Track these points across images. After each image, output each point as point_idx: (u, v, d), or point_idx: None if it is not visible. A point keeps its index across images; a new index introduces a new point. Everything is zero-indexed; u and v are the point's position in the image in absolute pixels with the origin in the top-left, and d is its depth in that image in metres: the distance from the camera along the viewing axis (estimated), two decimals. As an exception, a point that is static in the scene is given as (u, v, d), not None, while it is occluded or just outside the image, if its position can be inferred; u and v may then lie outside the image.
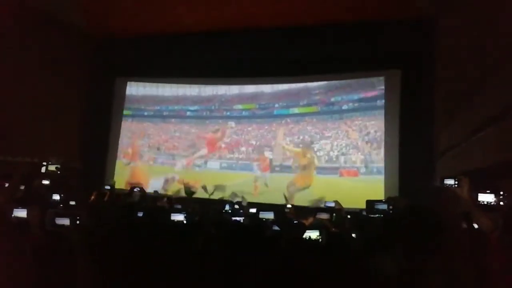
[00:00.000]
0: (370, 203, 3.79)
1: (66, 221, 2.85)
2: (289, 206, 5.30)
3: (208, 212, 4.15)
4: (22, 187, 3.85)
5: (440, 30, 6.64)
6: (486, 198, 3.01)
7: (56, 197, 4.50)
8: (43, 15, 7.65)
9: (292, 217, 4.38)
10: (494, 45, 4.82)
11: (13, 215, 2.87)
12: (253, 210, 4.46)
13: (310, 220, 3.88)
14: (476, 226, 2.43)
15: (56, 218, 2.84)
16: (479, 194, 3.05)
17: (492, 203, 2.99)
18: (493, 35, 4.84)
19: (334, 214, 3.83)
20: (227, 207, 4.97)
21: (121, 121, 9.62)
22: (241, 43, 8.16)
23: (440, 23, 6.66)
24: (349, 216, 4.26)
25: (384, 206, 3.60)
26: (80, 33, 8.67)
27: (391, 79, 7.62)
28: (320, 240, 2.28)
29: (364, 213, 3.92)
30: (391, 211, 3.48)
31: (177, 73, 9.14)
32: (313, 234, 2.36)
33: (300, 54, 8.02)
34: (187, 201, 5.63)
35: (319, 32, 7.65)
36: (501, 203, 2.87)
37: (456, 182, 2.47)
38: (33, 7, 7.43)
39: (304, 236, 2.38)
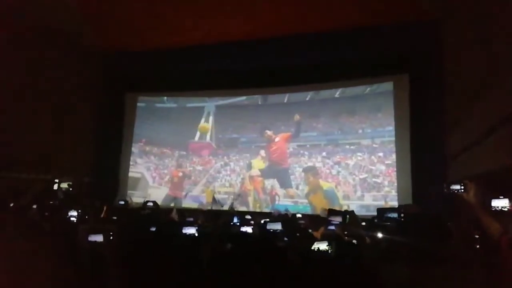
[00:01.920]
0: (381, 211, 3.75)
1: (99, 238, 2.81)
2: (299, 215, 5.27)
3: (218, 225, 4.17)
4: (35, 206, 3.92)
5: (448, 32, 6.60)
6: (501, 203, 2.92)
7: (73, 213, 4.56)
8: (53, 32, 7.80)
9: (305, 227, 4.34)
10: (503, 46, 4.78)
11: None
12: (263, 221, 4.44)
13: (321, 230, 3.86)
14: (485, 230, 2.39)
15: (90, 235, 2.82)
16: (492, 200, 2.97)
17: (506, 208, 2.90)
18: (501, 36, 4.80)
19: (347, 216, 3.78)
20: (235, 220, 4.97)
21: (132, 135, 9.74)
22: (247, 54, 8.24)
23: (447, 26, 6.63)
24: (363, 223, 4.22)
25: (395, 214, 3.54)
26: (90, 50, 8.84)
27: (399, 84, 7.58)
28: (330, 251, 2.26)
29: (376, 220, 3.86)
30: (402, 219, 3.43)
31: (188, 86, 9.26)
32: (322, 246, 2.33)
33: (307, 61, 8.06)
34: (198, 213, 5.67)
35: (326, 39, 7.67)
36: (513, 207, 2.79)
37: (462, 187, 2.44)
38: (42, 24, 7.58)
39: (312, 248, 2.36)
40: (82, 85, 8.69)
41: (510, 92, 4.47)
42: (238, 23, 7.60)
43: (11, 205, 4.04)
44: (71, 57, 8.36)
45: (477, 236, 2.81)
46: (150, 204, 5.78)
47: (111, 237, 2.80)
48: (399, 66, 7.46)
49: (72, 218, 4.18)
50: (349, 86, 8.23)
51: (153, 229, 3.60)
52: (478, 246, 2.74)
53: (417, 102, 7.16)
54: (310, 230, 3.96)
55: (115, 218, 5.14)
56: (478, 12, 5.51)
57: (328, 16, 7.17)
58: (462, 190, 2.44)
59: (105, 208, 5.24)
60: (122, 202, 6.23)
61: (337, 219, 3.81)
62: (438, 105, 6.62)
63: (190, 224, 3.90)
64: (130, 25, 7.87)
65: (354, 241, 3.17)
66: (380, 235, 3.28)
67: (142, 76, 9.51)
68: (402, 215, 3.60)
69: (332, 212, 3.94)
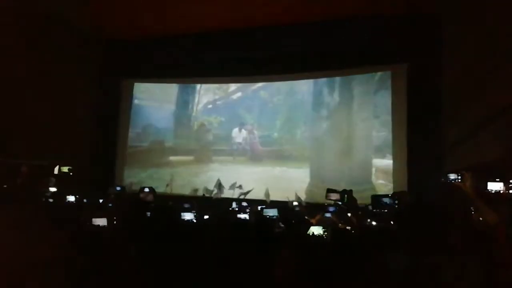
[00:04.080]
0: (376, 198, 3.78)
1: (103, 221, 2.84)
2: (295, 203, 5.27)
3: (216, 211, 4.20)
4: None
5: (447, 23, 6.58)
6: (495, 186, 2.97)
7: (71, 198, 4.57)
8: (50, 17, 7.72)
9: (302, 213, 4.38)
10: (501, 39, 4.78)
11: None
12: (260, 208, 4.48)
13: (318, 217, 3.91)
14: (481, 219, 2.42)
15: (93, 218, 2.84)
16: (488, 182, 3.01)
17: (500, 191, 2.94)
18: (500, 29, 4.80)
19: (346, 196, 3.83)
20: (234, 205, 5.00)
21: (128, 121, 9.68)
22: (244, 42, 8.19)
23: (447, 17, 6.61)
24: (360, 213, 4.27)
25: (389, 201, 3.58)
26: (86, 36, 8.75)
27: (398, 73, 7.57)
28: (325, 236, 2.29)
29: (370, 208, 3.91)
30: (396, 206, 3.47)
31: (183, 73, 9.20)
32: (317, 230, 2.37)
33: (307, 49, 8.02)
34: (195, 199, 5.70)
35: (325, 27, 7.63)
36: (510, 191, 2.82)
37: (459, 177, 2.47)
38: (40, 10, 7.49)
39: (308, 233, 2.40)
40: (79, 72, 8.58)
41: (507, 85, 4.49)
42: (235, 10, 7.52)
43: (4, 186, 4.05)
44: (68, 44, 8.25)
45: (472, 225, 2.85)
46: (147, 190, 5.78)
47: (114, 222, 2.83)
48: (398, 56, 7.43)
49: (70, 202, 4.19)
50: (347, 75, 8.19)
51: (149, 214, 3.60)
52: (473, 235, 2.78)
53: (415, 92, 7.16)
54: (306, 217, 4.00)
55: (110, 205, 5.15)
56: (478, 5, 5.51)
57: (327, 4, 7.12)
58: (459, 180, 2.46)
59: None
60: (119, 188, 6.24)
61: (335, 197, 3.88)
62: (436, 95, 6.64)
63: (188, 210, 3.94)
64: (127, 12, 7.78)
65: (348, 227, 3.22)
66: (374, 223, 3.32)
67: (138, 63, 9.40)
68: (396, 201, 3.65)
69: (330, 190, 3.98)
